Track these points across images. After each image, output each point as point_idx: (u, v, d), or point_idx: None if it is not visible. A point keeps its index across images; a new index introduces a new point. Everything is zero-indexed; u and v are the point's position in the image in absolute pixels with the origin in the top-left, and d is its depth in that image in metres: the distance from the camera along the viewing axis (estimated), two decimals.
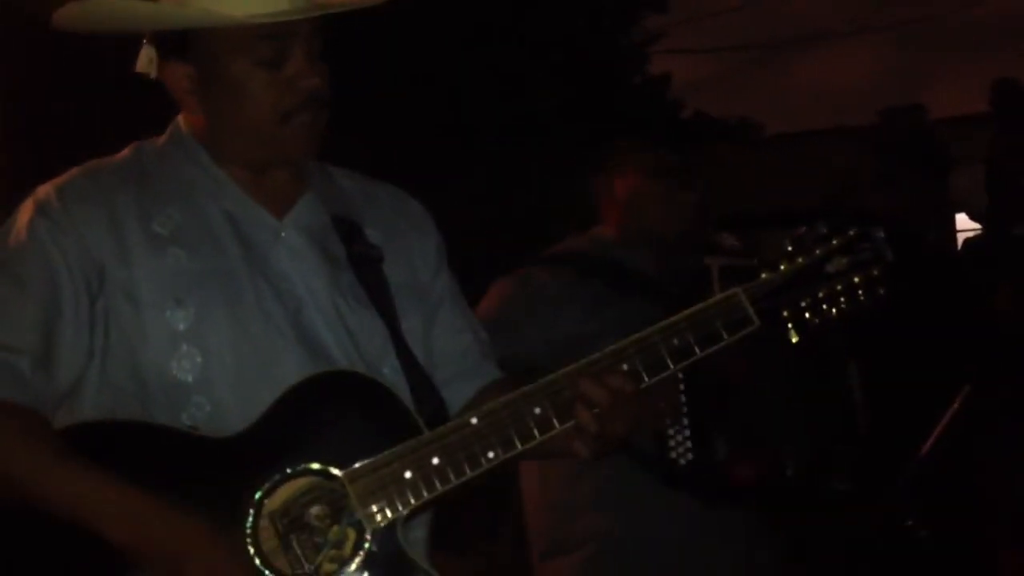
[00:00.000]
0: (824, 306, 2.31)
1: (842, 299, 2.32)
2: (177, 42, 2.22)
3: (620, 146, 3.58)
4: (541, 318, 3.38)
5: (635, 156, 3.53)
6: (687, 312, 2.26)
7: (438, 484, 2.14)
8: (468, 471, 2.15)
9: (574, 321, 3.36)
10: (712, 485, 3.29)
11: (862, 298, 2.32)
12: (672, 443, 3.23)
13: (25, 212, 2.20)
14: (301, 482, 2.11)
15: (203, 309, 2.18)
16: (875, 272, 2.32)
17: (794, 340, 2.31)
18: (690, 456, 3.23)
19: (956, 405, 3.45)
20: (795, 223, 2.36)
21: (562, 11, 10.10)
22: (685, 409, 3.27)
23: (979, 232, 4.52)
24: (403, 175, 2.54)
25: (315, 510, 2.10)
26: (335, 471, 2.12)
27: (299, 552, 2.09)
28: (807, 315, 2.31)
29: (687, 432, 3.23)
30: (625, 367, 2.20)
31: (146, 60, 2.28)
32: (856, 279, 2.31)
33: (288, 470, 2.11)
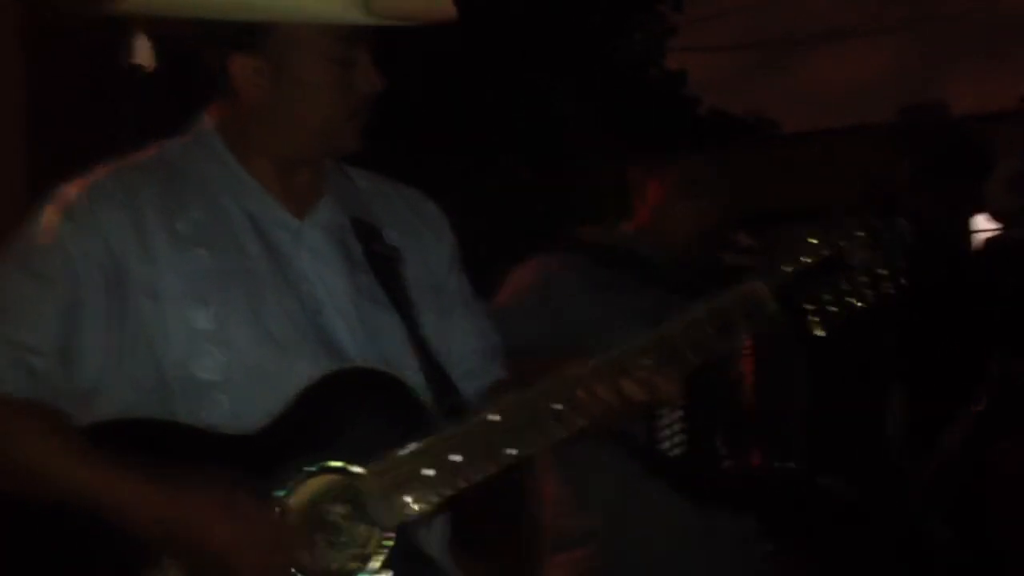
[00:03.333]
0: (848, 298, 2.28)
1: (867, 291, 2.28)
2: (248, 35, 2.22)
3: (658, 148, 3.49)
4: (554, 307, 3.36)
5: (669, 168, 3.43)
6: (707, 305, 2.25)
7: (458, 481, 2.14)
8: (488, 468, 2.15)
9: (585, 308, 3.32)
10: (704, 479, 3.23)
11: (887, 290, 2.28)
12: (665, 433, 3.15)
13: (48, 211, 2.20)
14: (321, 480, 2.12)
15: (225, 309, 2.19)
16: (900, 264, 2.29)
17: (818, 333, 2.29)
18: (683, 448, 3.15)
19: (980, 407, 3.44)
20: (813, 220, 2.34)
21: (576, 7, 10.09)
22: (681, 400, 3.22)
23: (1000, 232, 4.47)
24: (415, 175, 2.55)
25: (338, 508, 2.10)
26: (355, 469, 2.12)
27: (323, 550, 2.09)
28: (831, 308, 2.28)
29: (681, 424, 3.15)
30: (644, 360, 2.20)
31: (143, 52, 2.28)
32: (881, 271, 2.28)
33: (308, 468, 2.12)
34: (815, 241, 2.28)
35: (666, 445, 3.14)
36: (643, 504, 3.24)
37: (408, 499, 2.12)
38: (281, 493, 2.10)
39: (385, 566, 2.11)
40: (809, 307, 2.28)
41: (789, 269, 2.27)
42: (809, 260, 2.28)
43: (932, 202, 3.87)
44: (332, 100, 2.25)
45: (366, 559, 2.10)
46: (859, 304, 2.28)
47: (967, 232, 4.61)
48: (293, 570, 2.08)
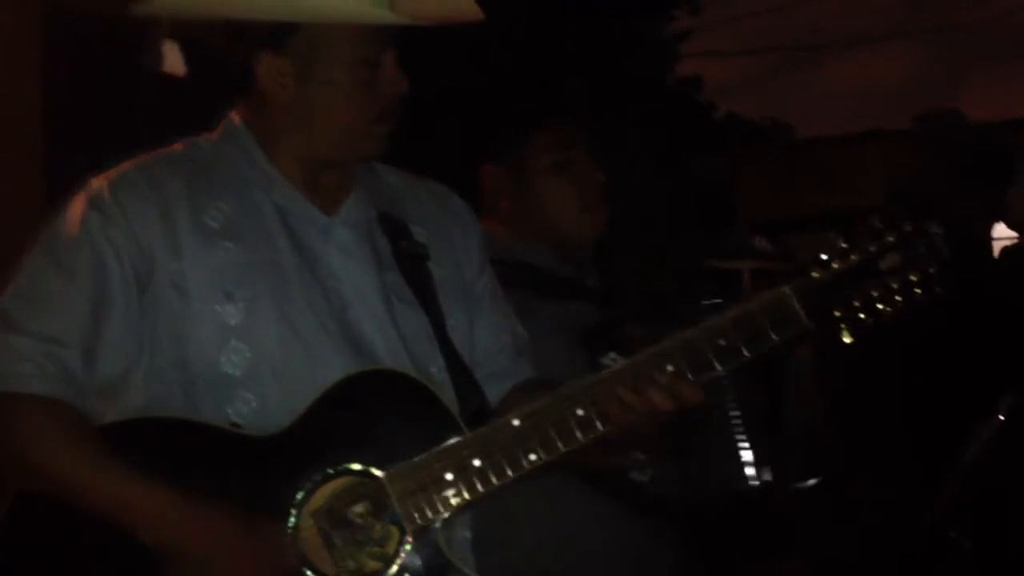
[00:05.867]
0: (879, 305, 2.21)
1: (897, 297, 2.21)
2: (277, 35, 2.22)
3: (519, 133, 3.30)
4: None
5: (536, 148, 3.26)
6: (733, 312, 2.19)
7: (479, 486, 2.13)
8: (509, 473, 2.14)
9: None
10: (636, 494, 3.07)
11: (918, 296, 2.22)
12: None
13: (76, 204, 2.20)
14: (342, 481, 2.11)
15: (252, 304, 2.18)
16: (932, 270, 2.21)
17: (847, 340, 2.23)
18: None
19: (1001, 416, 3.42)
20: (829, 226, 2.30)
21: (593, 11, 10.08)
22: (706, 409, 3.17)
23: (1018, 240, 4.45)
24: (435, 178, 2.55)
25: (358, 508, 2.10)
26: (376, 471, 2.12)
27: (342, 549, 2.09)
28: (861, 314, 2.21)
29: None
30: (670, 368, 2.18)
31: (173, 59, 2.28)
32: (912, 277, 2.21)
33: (329, 470, 2.11)
34: (844, 246, 2.22)
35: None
36: (583, 513, 3.07)
37: (428, 502, 2.11)
38: (301, 495, 2.09)
39: (405, 567, 2.11)
40: (838, 314, 2.22)
41: (817, 275, 2.21)
42: (838, 265, 2.21)
43: (959, 207, 3.85)
44: (357, 101, 2.24)
45: (388, 559, 2.10)
46: (889, 311, 2.22)
47: (990, 239, 4.59)
48: (309, 572, 2.08)
